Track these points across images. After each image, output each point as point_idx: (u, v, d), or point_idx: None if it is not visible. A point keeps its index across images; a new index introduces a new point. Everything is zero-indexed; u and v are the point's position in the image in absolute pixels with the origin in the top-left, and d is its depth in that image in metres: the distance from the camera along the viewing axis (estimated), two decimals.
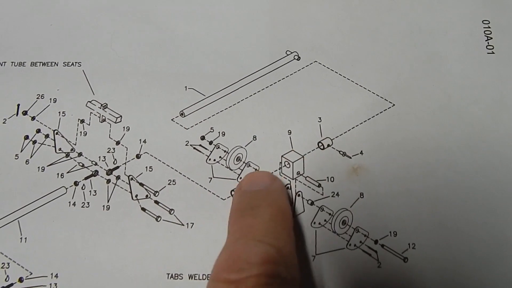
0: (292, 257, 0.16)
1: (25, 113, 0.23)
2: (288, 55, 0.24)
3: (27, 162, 0.23)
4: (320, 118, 0.23)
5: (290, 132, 0.23)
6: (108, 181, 0.22)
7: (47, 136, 0.23)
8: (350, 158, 0.22)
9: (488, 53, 0.24)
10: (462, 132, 0.23)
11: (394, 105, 0.23)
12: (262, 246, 0.16)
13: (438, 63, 0.24)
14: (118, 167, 0.23)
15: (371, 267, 0.21)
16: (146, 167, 0.22)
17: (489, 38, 0.24)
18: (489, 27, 0.25)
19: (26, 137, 0.23)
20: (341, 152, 0.23)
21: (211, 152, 0.23)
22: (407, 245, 0.21)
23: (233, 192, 0.22)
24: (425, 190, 0.22)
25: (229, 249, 0.16)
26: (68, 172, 0.22)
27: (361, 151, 0.23)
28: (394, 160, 0.22)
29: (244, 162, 0.22)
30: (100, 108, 0.23)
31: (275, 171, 0.22)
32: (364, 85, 0.24)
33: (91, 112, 0.23)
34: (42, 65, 0.24)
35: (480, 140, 0.23)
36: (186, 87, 0.24)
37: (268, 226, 0.17)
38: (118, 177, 0.22)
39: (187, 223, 0.22)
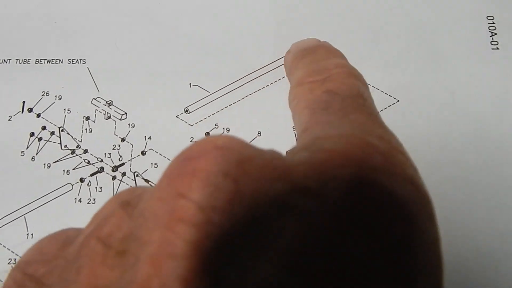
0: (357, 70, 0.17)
1: (30, 110, 0.23)
2: None
3: (33, 159, 0.23)
4: None
5: (295, 128, 0.23)
6: (114, 177, 0.22)
7: (52, 133, 0.23)
8: None
9: (492, 49, 0.24)
10: (466, 128, 0.23)
11: (398, 101, 0.23)
12: (334, 58, 0.16)
13: (442, 60, 0.24)
14: (123, 163, 0.23)
15: None
16: (152, 163, 0.23)
17: (493, 34, 0.24)
18: (494, 23, 0.25)
19: (32, 134, 0.23)
20: None
21: None
22: None
23: None
24: (429, 185, 0.22)
25: (305, 68, 0.17)
26: (74, 169, 0.23)
27: None
28: None
29: None
30: (105, 105, 0.24)
31: None
32: (368, 81, 0.24)
33: (96, 109, 0.23)
34: (47, 62, 0.24)
35: (484, 136, 0.23)
36: (190, 84, 0.24)
37: (332, 56, 0.17)
38: (123, 174, 0.22)
39: None
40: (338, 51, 0.19)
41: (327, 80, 0.15)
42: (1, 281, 0.21)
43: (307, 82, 0.15)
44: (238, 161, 0.09)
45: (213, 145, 0.10)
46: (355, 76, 0.15)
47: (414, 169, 0.12)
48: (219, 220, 0.08)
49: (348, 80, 0.15)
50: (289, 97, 0.17)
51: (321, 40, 0.20)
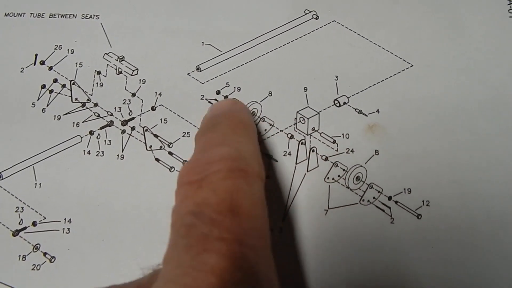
0: (254, 155, 0.16)
1: (42, 62, 0.23)
2: (306, 14, 0.24)
3: (43, 111, 0.23)
4: (336, 76, 0.23)
5: (306, 89, 0.23)
6: (123, 131, 0.22)
7: (63, 86, 0.23)
8: (366, 116, 0.22)
9: (510, 17, 0.24)
10: (482, 95, 0.22)
11: (412, 65, 0.23)
12: (220, 148, 0.16)
13: (459, 26, 0.24)
14: (133, 118, 0.23)
15: (384, 222, 0.21)
16: (161, 119, 0.22)
17: (511, 3, 0.24)
18: None
19: (43, 86, 0.23)
20: (357, 110, 0.22)
21: None
22: (421, 202, 0.21)
23: None
24: (442, 150, 0.22)
25: (191, 159, 0.16)
26: (83, 122, 0.23)
27: (378, 110, 0.22)
28: (411, 120, 0.22)
29: (259, 117, 0.22)
30: (117, 60, 0.23)
31: (290, 126, 0.22)
32: (382, 45, 0.24)
33: (107, 64, 0.23)
34: (61, 16, 0.24)
35: (501, 103, 0.22)
36: (203, 42, 0.24)
37: (228, 135, 0.17)
38: (133, 128, 0.22)
39: None
40: (243, 123, 0.18)
41: (203, 182, 0.14)
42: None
43: (185, 184, 0.15)
44: None
45: None
46: (234, 174, 0.15)
47: None
48: None
49: (224, 183, 0.14)
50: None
51: (236, 101, 0.20)
